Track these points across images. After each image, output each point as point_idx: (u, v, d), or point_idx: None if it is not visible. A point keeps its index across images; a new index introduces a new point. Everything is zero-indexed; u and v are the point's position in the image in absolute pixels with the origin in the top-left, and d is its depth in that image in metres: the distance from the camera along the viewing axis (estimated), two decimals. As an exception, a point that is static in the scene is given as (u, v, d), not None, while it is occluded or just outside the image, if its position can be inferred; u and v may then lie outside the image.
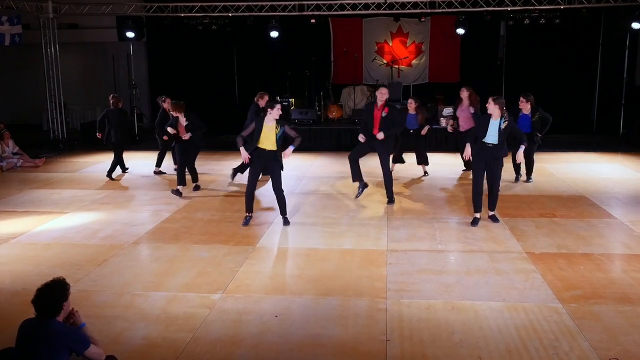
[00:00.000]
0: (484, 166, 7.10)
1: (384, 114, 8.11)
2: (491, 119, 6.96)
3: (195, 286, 5.40)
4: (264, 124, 7.06)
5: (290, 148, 7.21)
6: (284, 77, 14.86)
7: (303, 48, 15.31)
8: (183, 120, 8.89)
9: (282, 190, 7.27)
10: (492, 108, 6.94)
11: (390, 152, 8.62)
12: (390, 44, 15.83)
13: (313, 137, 13.72)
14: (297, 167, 11.37)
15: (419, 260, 6.01)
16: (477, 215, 7.30)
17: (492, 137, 6.96)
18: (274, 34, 14.23)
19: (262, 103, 9.59)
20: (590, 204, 8.28)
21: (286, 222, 7.38)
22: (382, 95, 8.15)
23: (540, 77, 14.88)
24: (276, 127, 7.05)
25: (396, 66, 15.59)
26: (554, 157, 12.11)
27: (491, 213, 7.37)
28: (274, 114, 7.02)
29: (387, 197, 8.43)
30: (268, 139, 7.05)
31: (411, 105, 10.12)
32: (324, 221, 7.52)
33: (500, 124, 6.92)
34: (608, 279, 5.49)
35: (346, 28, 15.73)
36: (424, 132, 10.01)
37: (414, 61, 15.83)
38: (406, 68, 15.82)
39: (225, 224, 7.43)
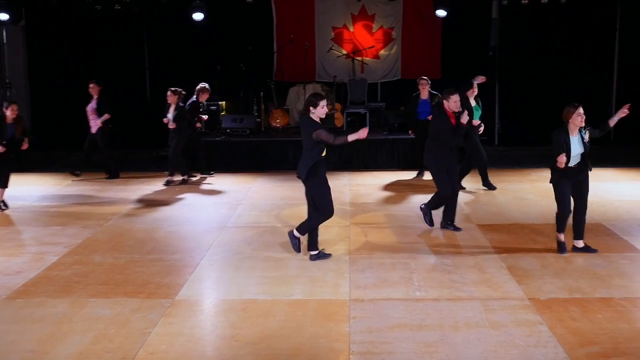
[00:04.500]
0: (570, 186, 7.49)
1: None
2: (570, 136, 7.34)
3: (93, 355, 5.30)
4: None
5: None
6: (211, 72, 14.85)
7: (237, 35, 15.37)
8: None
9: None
10: (580, 121, 7.30)
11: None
12: (352, 29, 16.06)
13: (251, 151, 13.72)
14: (229, 191, 11.33)
15: (392, 313, 6.05)
16: (562, 237, 7.68)
17: (575, 156, 7.39)
18: (198, 16, 14.23)
19: (202, 98, 12.46)
20: (608, 233, 8.51)
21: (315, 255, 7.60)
22: (455, 104, 8.29)
23: (542, 72, 15.29)
24: None
25: (359, 58, 15.82)
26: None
27: (581, 243, 7.68)
28: (319, 112, 7.22)
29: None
30: None
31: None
32: (266, 263, 7.51)
33: (583, 136, 7.35)
34: (633, 330, 5.63)
35: (293, 8, 15.87)
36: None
37: (382, 52, 16.09)
38: (372, 60, 16.07)
39: (133, 269, 7.33)
